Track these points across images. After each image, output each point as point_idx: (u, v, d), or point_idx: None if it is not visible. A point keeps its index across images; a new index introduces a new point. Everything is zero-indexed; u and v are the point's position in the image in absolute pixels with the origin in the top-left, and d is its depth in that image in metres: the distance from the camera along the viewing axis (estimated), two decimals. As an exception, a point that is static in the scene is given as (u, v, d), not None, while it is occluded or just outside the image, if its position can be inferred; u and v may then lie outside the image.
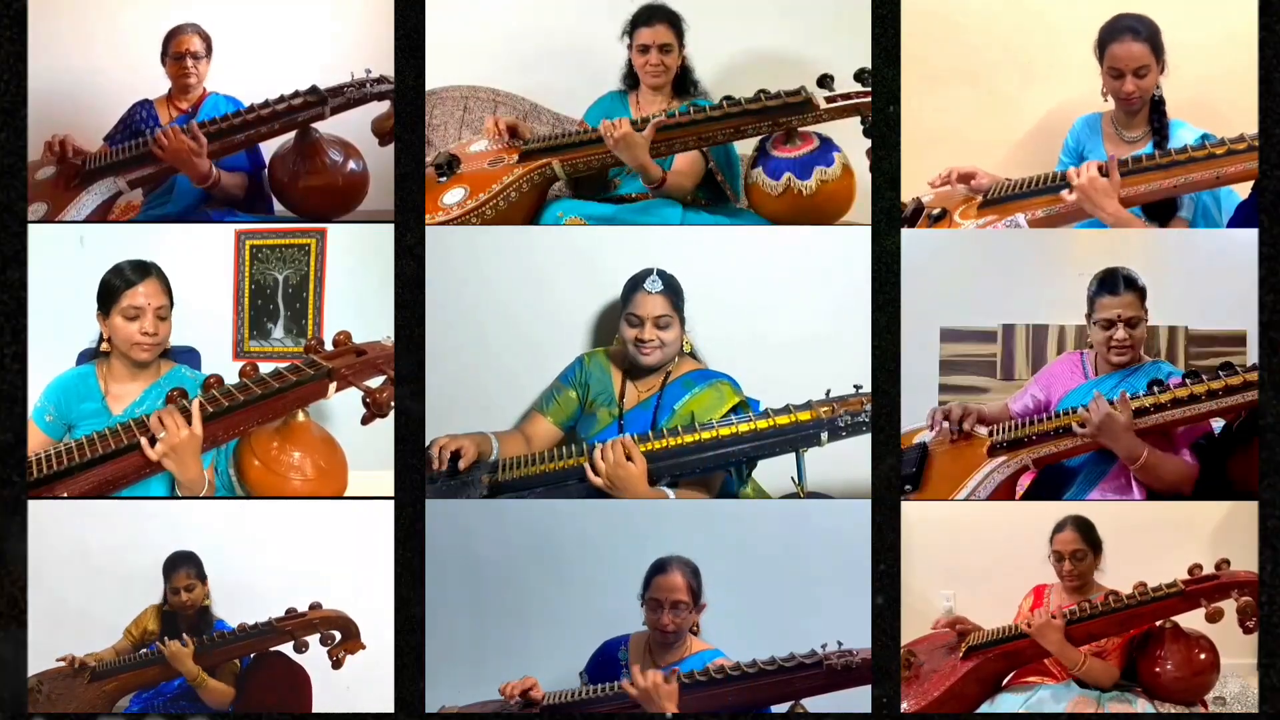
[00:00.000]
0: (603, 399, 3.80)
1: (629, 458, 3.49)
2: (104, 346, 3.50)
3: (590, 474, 3.51)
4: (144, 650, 3.67)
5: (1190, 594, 3.50)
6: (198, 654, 3.57)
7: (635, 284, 3.76)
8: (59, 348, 3.70)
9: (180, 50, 3.93)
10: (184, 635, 3.58)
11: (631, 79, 4.04)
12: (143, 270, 3.47)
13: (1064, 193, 3.60)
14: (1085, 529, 3.63)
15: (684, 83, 4.00)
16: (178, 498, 3.49)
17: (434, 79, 3.73)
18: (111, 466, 3.30)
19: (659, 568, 3.62)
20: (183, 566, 3.67)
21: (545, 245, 3.91)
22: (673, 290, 3.75)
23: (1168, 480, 3.52)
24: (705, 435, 3.55)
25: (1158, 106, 3.73)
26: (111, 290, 3.45)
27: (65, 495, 3.32)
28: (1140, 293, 3.62)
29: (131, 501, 3.45)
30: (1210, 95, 3.73)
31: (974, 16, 3.82)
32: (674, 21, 3.93)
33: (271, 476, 3.51)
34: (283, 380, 3.39)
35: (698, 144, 3.81)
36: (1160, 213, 3.73)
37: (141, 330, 3.44)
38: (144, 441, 3.27)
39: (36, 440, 3.51)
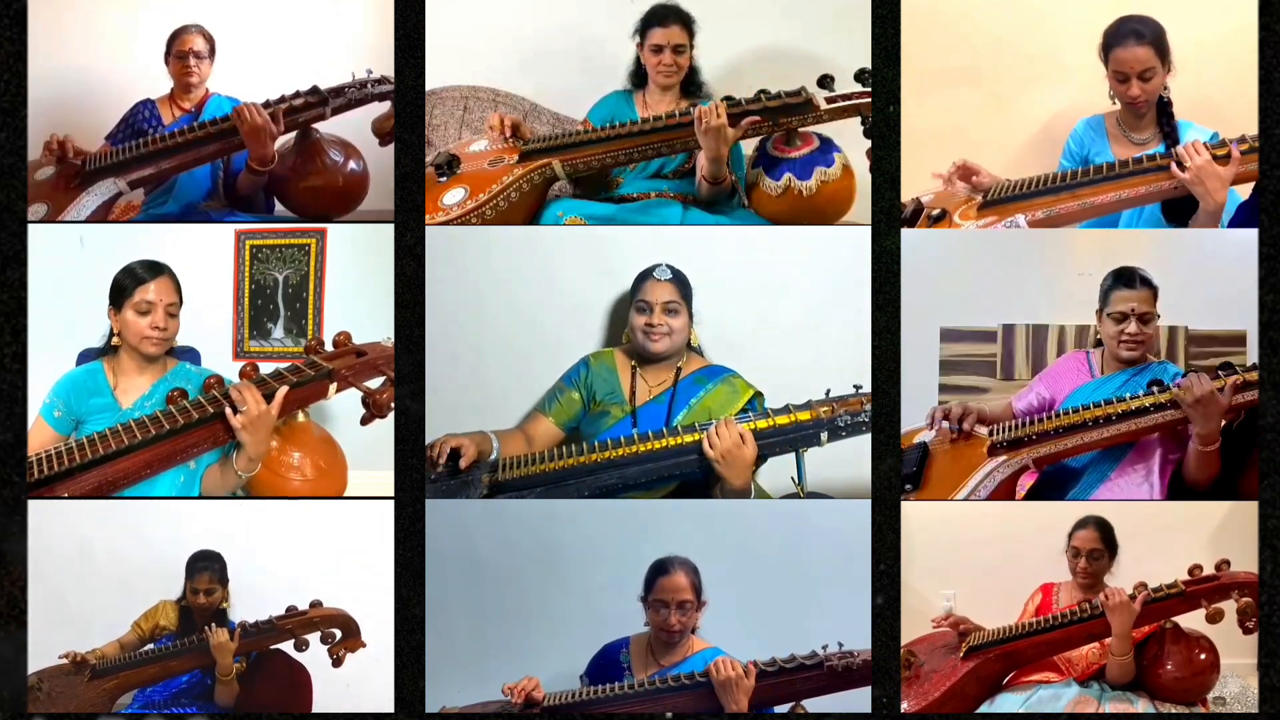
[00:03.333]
0: (611, 398, 3.80)
1: (744, 441, 3.51)
2: (114, 340, 3.54)
3: (706, 447, 3.52)
4: (150, 647, 3.67)
5: (1190, 594, 3.51)
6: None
7: (645, 274, 3.79)
8: (59, 347, 3.70)
9: (184, 49, 3.93)
10: (231, 626, 3.59)
11: (638, 78, 4.03)
12: (155, 269, 3.54)
13: (1174, 168, 3.55)
14: (1105, 530, 3.65)
15: (691, 83, 4.00)
16: (178, 498, 3.50)
17: (434, 79, 3.73)
18: (126, 461, 3.33)
19: (660, 569, 3.62)
20: (206, 570, 3.68)
21: (545, 245, 3.91)
22: (681, 282, 3.78)
23: (1211, 473, 3.52)
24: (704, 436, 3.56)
25: (1165, 108, 3.73)
26: (125, 286, 3.51)
27: (66, 495, 3.33)
28: (1153, 291, 3.63)
29: (133, 501, 3.46)
30: (1213, 96, 3.72)
31: (974, 16, 3.81)
32: (686, 22, 3.93)
33: (271, 476, 3.52)
34: (284, 381, 3.41)
35: (696, 144, 3.80)
36: (1178, 213, 3.72)
37: (152, 325, 3.50)
38: (229, 410, 3.34)
39: (45, 436, 3.52)
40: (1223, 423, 3.48)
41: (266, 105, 3.85)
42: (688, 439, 3.56)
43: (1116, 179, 3.62)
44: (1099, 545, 3.65)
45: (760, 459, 3.57)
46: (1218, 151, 3.54)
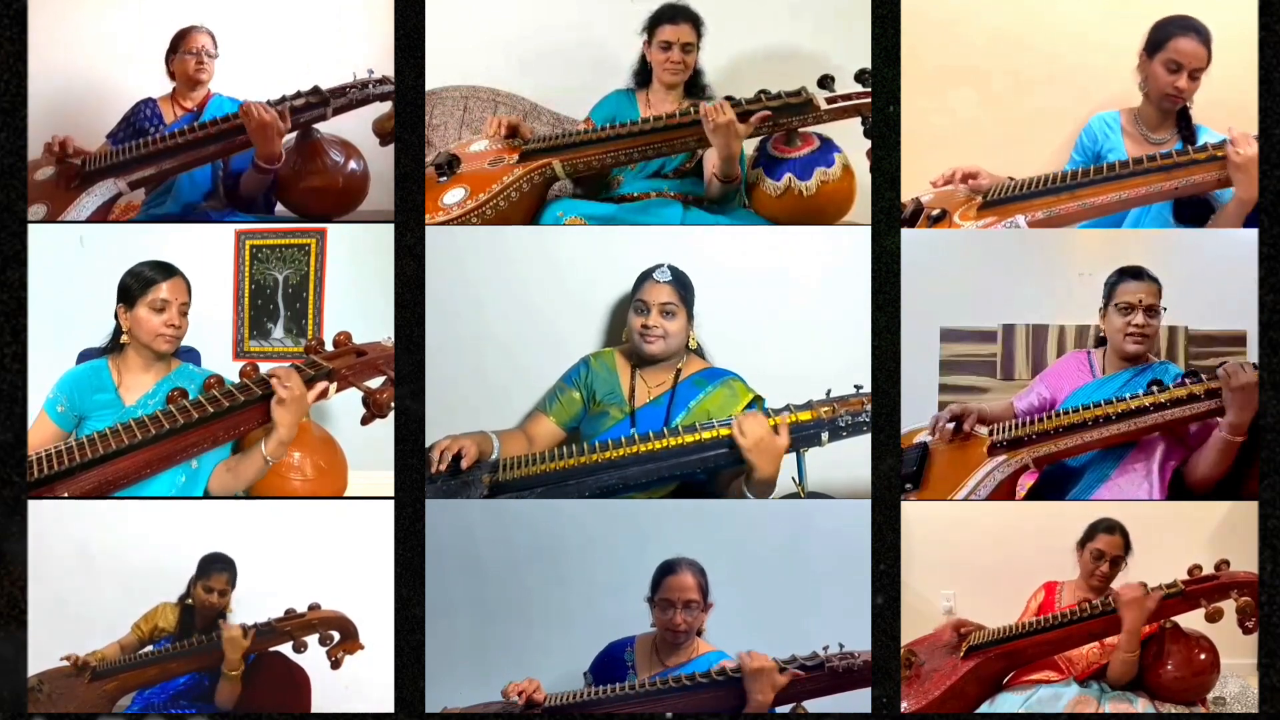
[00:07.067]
0: (611, 399, 3.80)
1: (777, 431, 3.51)
2: (123, 339, 3.54)
3: (738, 434, 3.51)
4: (149, 649, 3.67)
5: (1190, 594, 3.51)
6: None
7: (646, 274, 3.78)
8: (59, 347, 3.70)
9: (194, 47, 3.93)
10: (244, 625, 3.59)
11: (642, 77, 4.04)
12: (168, 270, 3.55)
13: (1230, 151, 3.50)
14: (1126, 536, 3.64)
15: (694, 84, 4.01)
16: (178, 498, 3.50)
17: (434, 79, 3.73)
18: (126, 461, 3.35)
19: (668, 568, 3.62)
20: (223, 570, 3.68)
21: (545, 245, 3.91)
22: (681, 284, 3.77)
23: (1225, 468, 3.51)
24: (706, 435, 3.55)
25: (1184, 110, 3.73)
26: (139, 284, 3.51)
27: (65, 495, 3.33)
28: (1158, 287, 3.65)
29: (133, 501, 3.45)
30: (1212, 97, 3.73)
31: (974, 16, 3.81)
32: (696, 22, 3.95)
33: (272, 477, 3.52)
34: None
35: (698, 144, 3.82)
36: (1193, 215, 3.72)
37: (167, 322, 3.51)
38: (275, 382, 3.39)
39: (47, 432, 3.51)
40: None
41: (267, 105, 3.85)
42: (688, 439, 3.56)
43: (1116, 179, 3.62)
44: (1122, 551, 3.65)
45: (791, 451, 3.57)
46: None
